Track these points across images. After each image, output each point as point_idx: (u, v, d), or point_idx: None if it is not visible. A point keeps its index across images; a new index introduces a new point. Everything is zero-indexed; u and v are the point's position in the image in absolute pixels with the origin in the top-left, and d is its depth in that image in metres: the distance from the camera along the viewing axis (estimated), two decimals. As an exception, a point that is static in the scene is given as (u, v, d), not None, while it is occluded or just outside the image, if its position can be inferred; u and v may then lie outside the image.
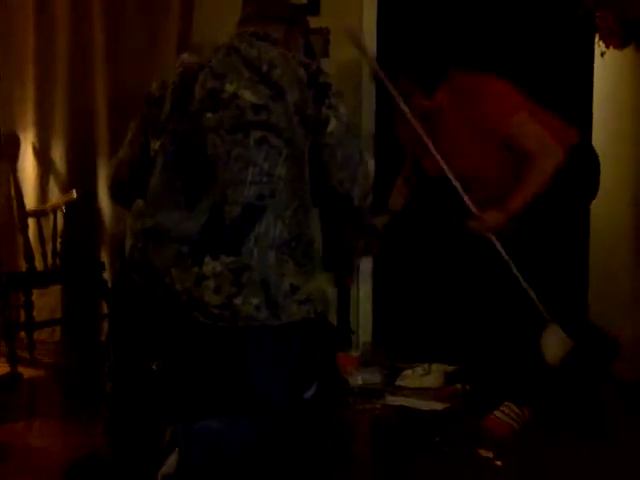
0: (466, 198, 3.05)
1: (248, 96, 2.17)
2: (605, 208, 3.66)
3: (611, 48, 3.65)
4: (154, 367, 2.28)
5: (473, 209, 3.04)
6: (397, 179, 3.56)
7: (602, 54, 3.70)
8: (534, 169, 2.95)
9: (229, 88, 2.19)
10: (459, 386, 3.47)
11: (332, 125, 2.22)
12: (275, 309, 2.12)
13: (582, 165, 3.13)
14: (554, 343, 3.00)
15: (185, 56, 2.34)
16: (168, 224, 2.14)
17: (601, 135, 3.88)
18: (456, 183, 3.05)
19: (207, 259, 2.09)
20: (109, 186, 2.55)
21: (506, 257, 2.97)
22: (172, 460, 2.03)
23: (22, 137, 4.27)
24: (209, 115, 2.18)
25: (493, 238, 3.00)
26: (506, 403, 3.01)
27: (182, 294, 2.10)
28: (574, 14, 3.69)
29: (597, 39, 3.68)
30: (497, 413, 3.00)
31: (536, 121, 3.01)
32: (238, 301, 2.09)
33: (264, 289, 2.11)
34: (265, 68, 2.21)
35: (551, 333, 3.00)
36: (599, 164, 3.17)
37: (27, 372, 3.77)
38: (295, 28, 2.46)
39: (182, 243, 2.11)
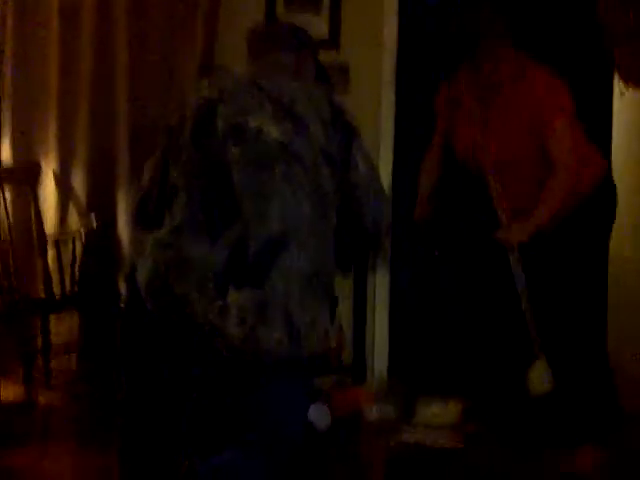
0: (496, 195, 3.05)
1: (273, 132, 2.16)
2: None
3: (630, 88, 3.66)
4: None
5: (502, 216, 3.04)
6: (421, 171, 3.50)
7: (621, 94, 3.71)
8: (556, 182, 2.97)
9: (253, 123, 2.18)
10: (471, 427, 3.44)
11: (362, 168, 2.24)
12: (297, 343, 2.13)
13: (603, 197, 3.15)
14: (539, 379, 3.00)
15: (205, 84, 2.32)
16: (192, 255, 2.14)
17: (621, 178, 3.88)
18: (489, 172, 3.07)
19: (231, 291, 2.10)
20: (133, 215, 2.53)
21: (519, 272, 2.97)
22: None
23: (43, 163, 4.30)
24: (233, 150, 2.17)
25: (515, 253, 3.00)
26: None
27: (204, 325, 2.11)
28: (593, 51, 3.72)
29: (616, 79, 3.69)
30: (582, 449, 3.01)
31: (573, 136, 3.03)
32: (260, 334, 2.09)
33: (287, 323, 2.11)
34: (287, 102, 2.20)
35: (537, 368, 2.99)
36: (616, 196, 3.18)
37: (42, 398, 3.78)
38: (304, 52, 2.44)
39: (206, 276, 2.12)
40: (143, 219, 2.42)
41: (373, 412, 3.53)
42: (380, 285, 4.14)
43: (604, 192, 3.15)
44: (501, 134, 3.07)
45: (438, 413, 3.54)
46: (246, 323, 2.08)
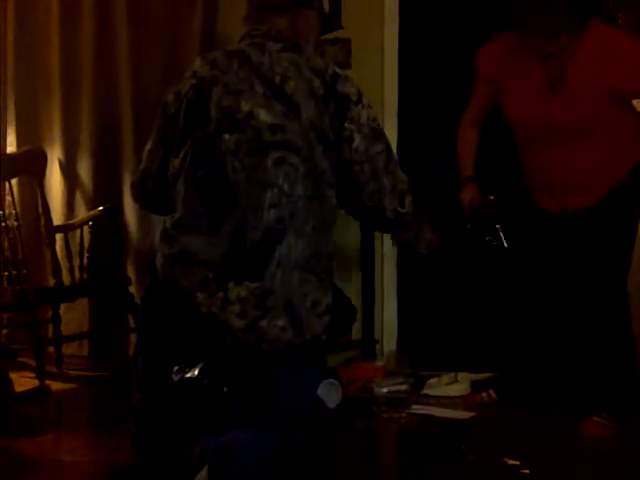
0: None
1: (263, 115, 2.15)
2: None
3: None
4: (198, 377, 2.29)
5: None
6: (460, 141, 3.26)
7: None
8: None
9: (244, 107, 2.17)
10: (484, 395, 3.42)
11: (357, 141, 2.20)
12: (300, 328, 2.13)
13: None
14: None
15: (198, 64, 2.31)
16: (193, 248, 2.14)
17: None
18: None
19: (231, 285, 2.10)
20: (133, 193, 2.54)
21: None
22: (202, 476, 2.04)
23: (48, 152, 4.29)
24: (227, 137, 2.17)
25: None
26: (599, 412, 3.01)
27: (208, 317, 2.12)
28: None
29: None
30: (595, 418, 2.99)
31: None
32: (263, 324, 2.10)
33: (289, 310, 2.12)
34: (278, 80, 2.19)
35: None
36: None
37: (55, 386, 3.79)
38: (301, 11, 2.35)
39: (208, 268, 2.12)
40: (143, 196, 2.44)
41: (383, 386, 3.54)
42: (388, 261, 4.14)
43: None
44: (573, 101, 2.91)
45: (448, 385, 3.54)
46: (248, 315, 2.10)
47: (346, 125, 2.19)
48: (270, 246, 2.11)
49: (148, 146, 2.38)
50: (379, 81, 4.16)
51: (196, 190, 2.18)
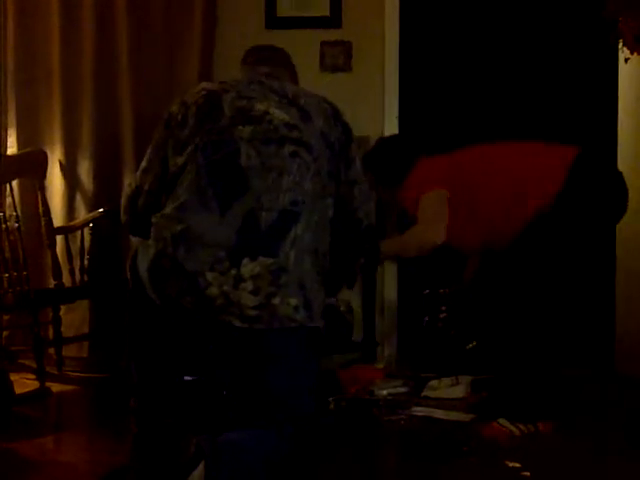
0: None
1: (279, 114, 2.27)
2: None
3: (635, 54, 3.63)
4: (187, 379, 2.29)
5: None
6: None
7: (626, 60, 3.69)
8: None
9: (260, 107, 2.28)
10: (485, 395, 3.43)
11: (357, 163, 2.41)
12: (310, 310, 2.15)
13: (604, 185, 3.12)
14: None
15: (204, 84, 2.42)
16: (200, 229, 2.14)
17: (627, 143, 3.85)
18: None
19: (245, 261, 2.10)
20: (124, 221, 2.52)
21: None
22: (198, 472, 2.04)
23: (49, 154, 4.27)
24: (241, 128, 2.24)
25: None
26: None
27: (217, 298, 2.10)
28: (598, 20, 3.69)
29: (621, 45, 3.66)
30: (501, 420, 3.02)
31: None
32: (277, 301, 2.10)
33: (301, 290, 2.13)
34: (291, 95, 2.34)
35: None
36: (624, 185, 3.15)
37: (56, 387, 3.80)
38: (294, 74, 2.64)
39: (218, 247, 2.11)
40: (132, 211, 2.43)
41: (383, 389, 3.54)
42: (389, 263, 4.15)
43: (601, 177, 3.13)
44: None
45: (447, 387, 3.54)
46: (261, 292, 2.09)
47: (353, 146, 2.40)
48: (285, 227, 2.15)
49: (143, 164, 2.41)
50: (380, 84, 4.18)
51: (206, 173, 2.20)
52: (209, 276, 2.09)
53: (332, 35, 4.25)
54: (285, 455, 2.16)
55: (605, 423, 3.24)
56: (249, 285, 2.09)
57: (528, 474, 2.62)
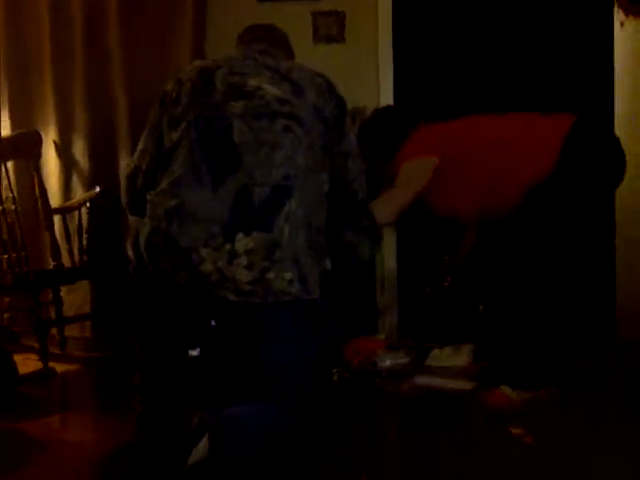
0: None
1: (271, 89, 2.27)
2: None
3: (630, 18, 3.61)
4: (191, 354, 2.30)
5: None
6: None
7: (621, 24, 3.66)
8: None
9: (252, 82, 2.28)
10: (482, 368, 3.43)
11: (351, 136, 2.42)
12: (305, 284, 2.14)
13: (601, 152, 3.11)
14: None
15: (198, 62, 2.43)
16: (193, 204, 2.14)
17: (624, 108, 3.84)
18: None
19: (239, 236, 2.09)
20: (125, 202, 2.53)
21: None
22: (202, 446, 2.04)
23: (43, 135, 4.26)
24: (233, 103, 2.24)
25: None
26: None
27: (211, 274, 2.09)
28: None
29: (616, 8, 3.64)
30: (503, 388, 3.02)
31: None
32: (271, 275, 2.09)
33: (296, 265, 2.12)
34: (284, 70, 2.34)
35: None
36: (622, 151, 3.14)
37: (59, 368, 3.81)
38: (291, 54, 2.65)
39: (212, 223, 2.11)
40: (131, 191, 2.43)
41: (386, 359, 3.55)
42: (388, 231, 4.14)
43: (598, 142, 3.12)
44: None
45: (449, 356, 3.55)
46: (255, 267, 2.09)
47: (347, 120, 2.40)
48: (279, 202, 2.14)
49: (140, 145, 2.42)
50: (374, 56, 4.15)
51: (200, 147, 2.20)
52: (203, 252, 2.09)
53: (325, 6, 4.22)
54: (286, 429, 2.16)
55: (605, 390, 3.25)
56: (243, 260, 2.09)
57: (530, 440, 2.63)
